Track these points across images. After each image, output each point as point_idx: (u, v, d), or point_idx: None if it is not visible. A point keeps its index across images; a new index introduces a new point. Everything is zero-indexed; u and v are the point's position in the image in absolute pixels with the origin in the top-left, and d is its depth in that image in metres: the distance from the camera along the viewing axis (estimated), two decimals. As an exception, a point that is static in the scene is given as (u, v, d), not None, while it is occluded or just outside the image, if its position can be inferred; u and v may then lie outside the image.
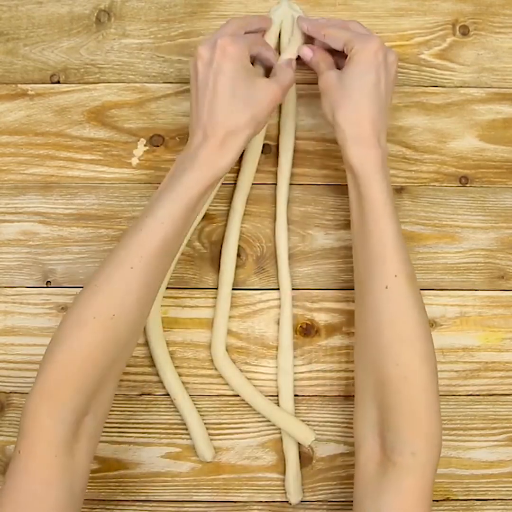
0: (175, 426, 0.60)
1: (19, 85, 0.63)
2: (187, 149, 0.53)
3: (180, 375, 0.60)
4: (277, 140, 0.62)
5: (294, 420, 0.59)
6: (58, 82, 0.63)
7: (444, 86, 0.64)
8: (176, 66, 0.63)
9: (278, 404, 0.60)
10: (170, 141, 0.63)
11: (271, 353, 0.61)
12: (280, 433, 0.60)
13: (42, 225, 0.62)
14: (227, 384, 0.60)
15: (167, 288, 0.61)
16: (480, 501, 0.60)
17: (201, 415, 0.60)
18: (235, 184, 0.62)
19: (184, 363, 0.61)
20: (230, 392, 0.60)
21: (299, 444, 0.60)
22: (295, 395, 0.60)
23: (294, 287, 0.61)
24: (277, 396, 0.60)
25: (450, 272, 0.62)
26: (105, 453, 0.60)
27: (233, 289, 0.61)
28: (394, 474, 0.49)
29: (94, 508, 0.59)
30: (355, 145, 0.54)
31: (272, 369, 0.61)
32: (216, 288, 0.61)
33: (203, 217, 0.61)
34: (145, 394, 0.60)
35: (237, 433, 0.60)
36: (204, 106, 0.53)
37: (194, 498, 0.60)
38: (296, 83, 0.62)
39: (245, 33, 0.57)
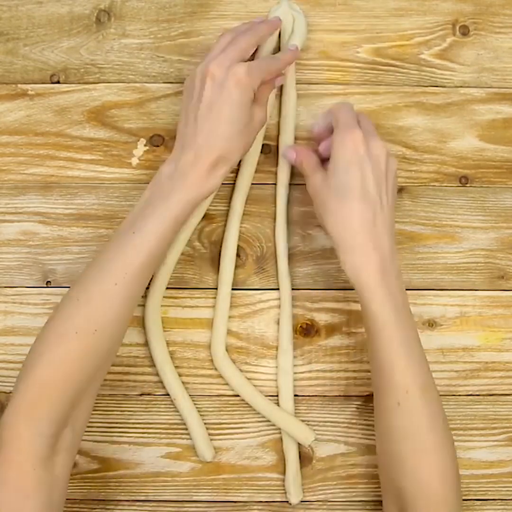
0: (175, 426, 0.60)
1: (19, 85, 0.63)
2: (173, 163, 0.53)
3: (180, 375, 0.60)
4: (277, 140, 0.62)
5: (294, 420, 0.59)
6: (58, 82, 0.63)
7: (444, 86, 0.64)
8: (176, 66, 0.63)
9: (278, 404, 0.60)
10: (170, 141, 0.63)
11: (271, 353, 0.61)
12: (280, 433, 0.60)
13: (42, 225, 0.62)
14: (227, 384, 0.60)
15: (167, 288, 0.61)
16: (480, 501, 0.60)
17: (201, 415, 0.60)
18: (234, 184, 0.62)
19: (184, 363, 0.61)
20: (230, 392, 0.60)
21: (299, 444, 0.60)
22: (295, 395, 0.60)
23: (294, 287, 0.61)
24: (277, 396, 0.60)
25: (450, 272, 0.62)
26: (105, 453, 0.60)
27: (233, 289, 0.61)
28: None
29: (94, 508, 0.59)
30: (347, 254, 0.51)
31: (272, 369, 0.61)
32: (216, 288, 0.61)
33: (203, 217, 0.61)
34: (145, 394, 0.60)
35: (237, 433, 0.60)
36: (203, 128, 0.52)
37: (194, 498, 0.60)
38: (297, 83, 0.62)
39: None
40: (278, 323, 0.61)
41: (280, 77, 0.60)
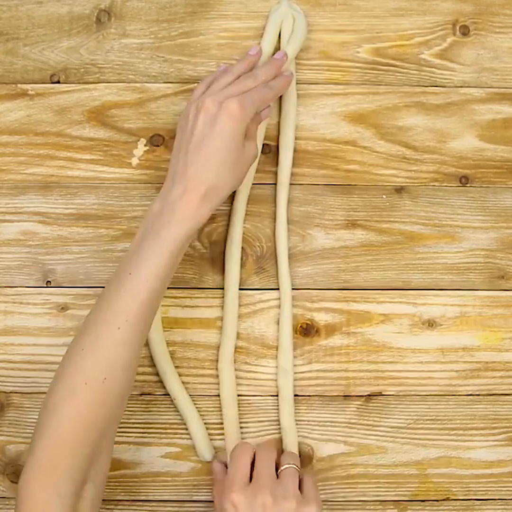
0: (175, 426, 0.60)
1: (19, 85, 0.63)
2: (162, 200, 0.52)
3: (180, 375, 0.60)
4: (277, 140, 0.62)
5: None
6: (58, 82, 0.63)
7: (444, 86, 0.64)
8: (176, 66, 0.63)
9: (278, 404, 0.60)
10: (170, 141, 0.63)
11: (271, 353, 0.61)
12: (280, 433, 0.60)
13: (42, 225, 0.62)
14: (227, 384, 0.60)
15: (167, 288, 0.60)
16: (480, 501, 0.60)
17: (201, 415, 0.60)
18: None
19: (184, 363, 0.61)
20: (230, 392, 0.60)
21: (298, 444, 0.60)
22: (295, 395, 0.60)
23: (294, 287, 0.61)
24: (277, 396, 0.60)
25: (450, 272, 0.62)
26: (105, 453, 0.60)
27: (233, 289, 0.61)
28: None
29: None
30: None
31: (272, 369, 0.61)
32: (217, 288, 0.61)
33: (203, 217, 0.61)
34: (145, 394, 0.60)
35: (237, 433, 0.60)
36: (194, 161, 0.52)
37: (194, 498, 0.60)
38: (297, 83, 0.62)
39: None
40: (278, 323, 0.61)
41: (267, 110, 0.59)
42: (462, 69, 0.64)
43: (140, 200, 0.62)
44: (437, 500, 0.60)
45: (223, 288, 0.61)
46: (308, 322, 0.61)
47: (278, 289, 0.61)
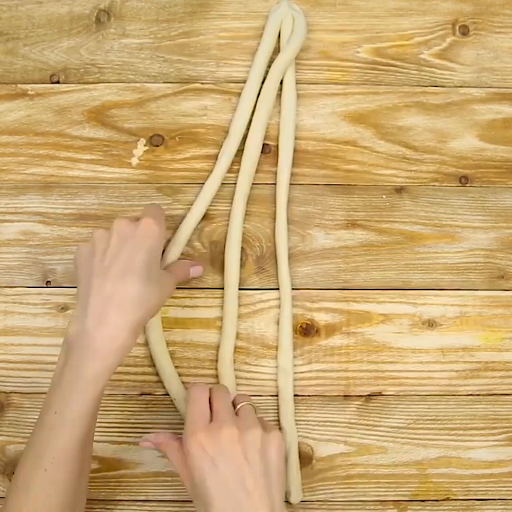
0: (175, 426, 0.60)
1: (19, 85, 0.63)
2: (78, 323, 0.48)
3: (180, 375, 0.60)
4: (277, 140, 0.62)
5: None
6: (58, 82, 0.63)
7: (444, 86, 0.64)
8: (176, 66, 0.63)
9: (278, 404, 0.60)
10: (170, 141, 0.63)
11: (271, 353, 0.61)
12: (280, 433, 0.60)
13: (42, 225, 0.62)
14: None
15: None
16: (480, 501, 0.60)
17: (201, 415, 0.60)
18: (235, 184, 0.62)
19: (184, 363, 0.60)
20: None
21: (298, 444, 0.60)
22: (295, 395, 0.60)
23: (294, 287, 0.61)
24: (277, 396, 0.60)
25: (450, 272, 0.62)
26: (105, 453, 0.60)
27: (233, 289, 0.61)
28: None
29: (94, 508, 0.59)
30: None
31: (272, 369, 0.61)
32: (216, 288, 0.61)
33: (203, 217, 0.61)
34: (145, 394, 0.60)
35: (237, 433, 0.60)
36: (107, 275, 0.48)
37: (194, 498, 0.60)
38: (297, 83, 0.62)
39: None
40: (278, 323, 0.61)
41: (197, 267, 0.59)
42: (462, 69, 0.64)
43: (140, 200, 0.62)
44: (437, 500, 0.60)
45: (223, 288, 0.61)
46: (308, 322, 0.61)
47: (278, 289, 0.61)
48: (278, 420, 0.60)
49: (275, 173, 0.62)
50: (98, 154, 0.62)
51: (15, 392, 0.60)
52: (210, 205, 0.61)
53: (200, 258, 0.61)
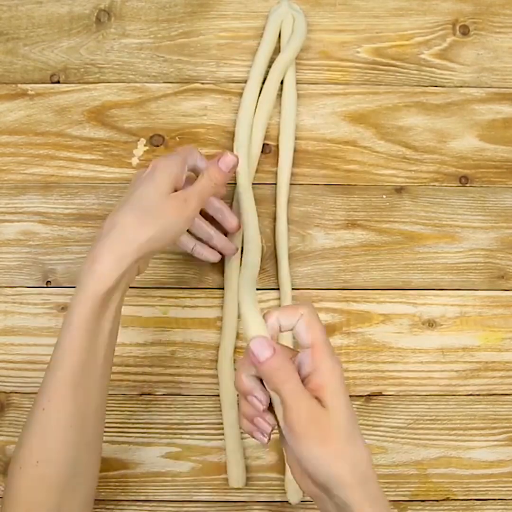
0: (175, 426, 0.60)
1: (19, 85, 0.63)
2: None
3: (180, 375, 0.60)
4: (277, 140, 0.62)
5: (240, 461, 0.59)
6: (58, 82, 0.63)
7: (444, 86, 0.64)
8: (176, 66, 0.63)
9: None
10: (170, 141, 0.63)
11: (271, 353, 0.61)
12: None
13: (42, 225, 0.62)
14: (227, 384, 0.60)
15: (167, 288, 0.61)
16: (480, 501, 0.60)
17: (201, 415, 0.60)
18: (235, 184, 0.62)
19: (184, 363, 0.61)
20: (230, 392, 0.60)
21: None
22: (295, 395, 0.60)
23: (294, 287, 0.61)
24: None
25: (450, 272, 0.62)
26: (105, 453, 0.60)
27: (233, 289, 0.61)
28: None
29: (94, 508, 0.59)
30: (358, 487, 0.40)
31: (272, 369, 0.60)
32: (217, 288, 0.61)
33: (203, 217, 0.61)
34: (145, 394, 0.60)
35: (237, 433, 0.60)
36: (107, 218, 0.49)
37: (194, 498, 0.60)
38: (297, 83, 0.62)
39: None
40: (278, 323, 0.61)
41: (226, 158, 0.54)
42: (462, 69, 0.64)
43: (140, 200, 0.62)
44: (437, 500, 0.60)
45: (223, 288, 0.61)
46: (308, 322, 0.61)
47: (278, 289, 0.61)
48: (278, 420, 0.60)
49: (275, 173, 0.62)
50: (98, 154, 0.62)
51: (15, 392, 0.60)
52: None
53: (200, 258, 0.61)
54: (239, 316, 0.60)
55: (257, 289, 0.61)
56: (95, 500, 0.59)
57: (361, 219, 0.62)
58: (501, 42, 0.64)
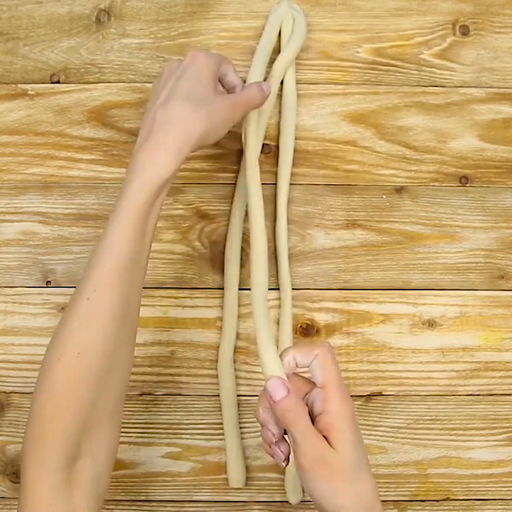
0: (175, 426, 0.60)
1: (19, 85, 0.63)
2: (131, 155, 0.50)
3: (180, 375, 0.60)
4: (277, 140, 0.62)
5: (240, 461, 0.59)
6: (58, 82, 0.63)
7: (444, 86, 0.64)
8: (176, 66, 0.63)
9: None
10: (170, 141, 0.63)
11: (271, 353, 0.61)
12: (280, 433, 0.60)
13: (42, 225, 0.62)
14: (227, 384, 0.60)
15: (167, 288, 0.61)
16: (480, 501, 0.60)
17: (201, 415, 0.60)
18: (235, 184, 0.62)
19: (184, 363, 0.61)
20: (230, 392, 0.60)
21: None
22: (295, 395, 0.60)
23: (294, 287, 0.61)
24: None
25: (450, 272, 0.62)
26: (105, 453, 0.60)
27: (233, 289, 0.61)
28: None
29: None
30: None
31: (272, 369, 0.61)
32: (217, 288, 0.61)
33: (203, 217, 0.61)
34: (145, 394, 0.60)
35: (237, 433, 0.60)
36: (155, 105, 0.50)
37: (194, 498, 0.60)
38: (297, 83, 0.62)
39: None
40: (278, 323, 0.61)
41: (266, 84, 0.56)
42: (462, 69, 0.64)
43: (140, 200, 0.62)
44: (437, 500, 0.60)
45: (223, 288, 0.61)
46: (308, 322, 0.61)
47: (278, 289, 0.61)
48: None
49: (275, 173, 0.62)
50: (98, 154, 0.62)
51: (15, 392, 0.60)
52: (210, 205, 0.61)
53: (200, 258, 0.61)
54: (238, 316, 0.60)
55: (257, 289, 0.61)
56: (95, 500, 0.59)
57: (361, 219, 0.62)
58: (501, 42, 0.64)
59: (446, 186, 0.63)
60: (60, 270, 0.61)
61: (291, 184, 0.62)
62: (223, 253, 0.61)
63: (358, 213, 0.62)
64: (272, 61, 0.62)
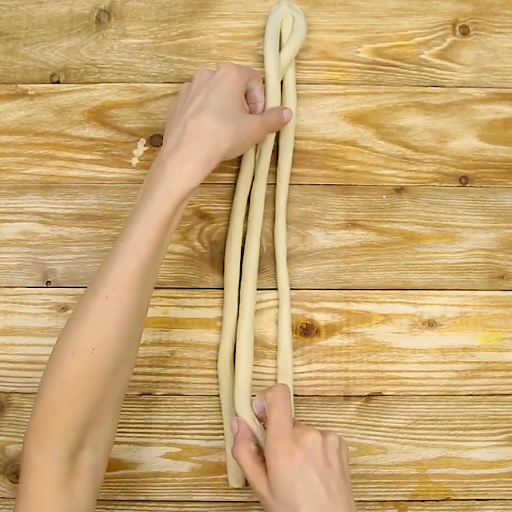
0: (175, 426, 0.60)
1: (19, 85, 0.63)
2: (157, 158, 0.51)
3: (180, 375, 0.60)
4: (277, 140, 0.62)
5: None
6: (58, 82, 0.63)
7: (444, 86, 0.64)
8: (176, 66, 0.63)
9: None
10: (170, 141, 0.63)
11: (271, 353, 0.61)
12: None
13: (42, 225, 0.62)
14: (227, 384, 0.60)
15: (167, 288, 0.61)
16: (480, 501, 0.60)
17: (201, 415, 0.60)
18: (235, 184, 0.62)
19: (184, 363, 0.60)
20: (230, 392, 0.60)
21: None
22: (295, 395, 0.60)
23: (294, 287, 0.61)
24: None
25: (450, 272, 0.62)
26: (105, 453, 0.60)
27: (233, 289, 0.61)
28: None
29: (94, 508, 0.59)
30: None
31: (272, 369, 0.61)
32: (217, 288, 0.61)
33: (203, 217, 0.61)
34: (145, 394, 0.60)
35: (237, 433, 0.60)
36: (185, 113, 0.51)
37: (194, 498, 0.60)
38: (297, 83, 0.62)
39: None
40: (277, 323, 0.61)
41: (287, 110, 0.58)
42: (462, 69, 0.64)
43: (140, 200, 0.62)
44: (437, 500, 0.60)
45: (223, 288, 0.61)
46: (308, 322, 0.61)
47: (277, 289, 0.61)
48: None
49: (275, 173, 0.62)
50: (98, 154, 0.62)
51: (15, 392, 0.60)
52: (210, 205, 0.61)
53: (200, 258, 0.61)
54: (238, 316, 0.60)
55: (257, 289, 0.61)
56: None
57: (361, 219, 0.62)
58: (501, 42, 0.64)
59: (446, 186, 0.63)
60: (60, 270, 0.61)
61: (291, 184, 0.62)
62: (223, 253, 0.61)
63: (358, 213, 0.62)
64: (272, 61, 0.62)
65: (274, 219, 0.62)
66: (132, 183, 0.62)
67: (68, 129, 0.63)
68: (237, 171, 0.62)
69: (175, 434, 0.60)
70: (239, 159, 0.62)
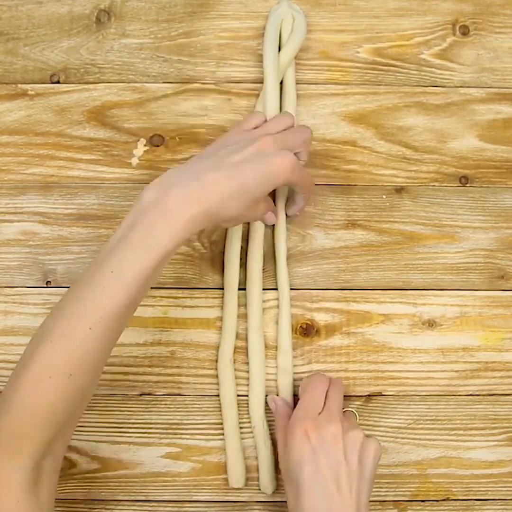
0: (175, 426, 0.60)
1: (19, 85, 0.63)
2: (164, 187, 0.48)
3: (180, 375, 0.60)
4: (277, 140, 0.62)
5: (240, 461, 0.59)
6: (58, 82, 0.63)
7: (444, 86, 0.64)
8: (176, 66, 0.63)
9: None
10: (170, 141, 0.63)
11: (271, 353, 0.61)
12: (280, 433, 0.60)
13: (42, 225, 0.62)
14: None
15: (167, 288, 0.61)
16: (480, 501, 0.60)
17: (201, 415, 0.60)
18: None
19: (184, 363, 0.61)
20: (230, 392, 0.60)
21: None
22: (295, 395, 0.60)
23: (294, 287, 0.61)
24: (277, 396, 0.60)
25: (450, 272, 0.62)
26: (105, 453, 0.60)
27: (233, 289, 0.61)
28: None
29: (94, 508, 0.59)
30: None
31: (272, 369, 0.61)
32: (217, 288, 0.61)
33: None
34: (145, 394, 0.60)
35: (237, 433, 0.60)
36: (219, 170, 0.48)
37: (194, 498, 0.60)
38: (297, 83, 0.62)
39: None
40: (277, 323, 0.61)
41: (271, 215, 0.57)
42: (462, 69, 0.64)
43: (140, 200, 0.62)
44: (437, 500, 0.60)
45: (223, 288, 0.61)
46: (308, 322, 0.61)
47: (277, 289, 0.61)
48: (278, 420, 0.60)
49: (275, 173, 0.62)
50: (98, 154, 0.62)
51: (15, 392, 0.60)
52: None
53: (200, 258, 0.61)
54: (238, 316, 0.60)
55: (257, 289, 0.61)
56: (95, 500, 0.59)
57: (361, 219, 0.62)
58: (501, 42, 0.64)
59: (446, 186, 0.63)
60: (60, 270, 0.61)
61: (291, 184, 0.62)
62: (223, 253, 0.61)
63: (358, 213, 0.62)
64: (272, 61, 0.62)
65: (274, 219, 0.62)
66: (132, 183, 0.62)
67: (68, 129, 0.63)
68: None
69: (175, 434, 0.60)
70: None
